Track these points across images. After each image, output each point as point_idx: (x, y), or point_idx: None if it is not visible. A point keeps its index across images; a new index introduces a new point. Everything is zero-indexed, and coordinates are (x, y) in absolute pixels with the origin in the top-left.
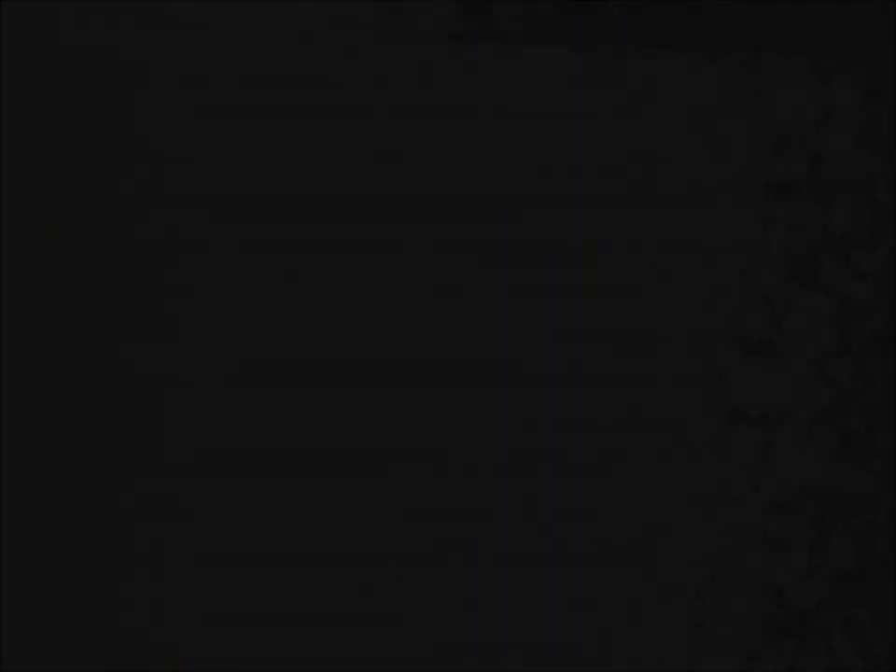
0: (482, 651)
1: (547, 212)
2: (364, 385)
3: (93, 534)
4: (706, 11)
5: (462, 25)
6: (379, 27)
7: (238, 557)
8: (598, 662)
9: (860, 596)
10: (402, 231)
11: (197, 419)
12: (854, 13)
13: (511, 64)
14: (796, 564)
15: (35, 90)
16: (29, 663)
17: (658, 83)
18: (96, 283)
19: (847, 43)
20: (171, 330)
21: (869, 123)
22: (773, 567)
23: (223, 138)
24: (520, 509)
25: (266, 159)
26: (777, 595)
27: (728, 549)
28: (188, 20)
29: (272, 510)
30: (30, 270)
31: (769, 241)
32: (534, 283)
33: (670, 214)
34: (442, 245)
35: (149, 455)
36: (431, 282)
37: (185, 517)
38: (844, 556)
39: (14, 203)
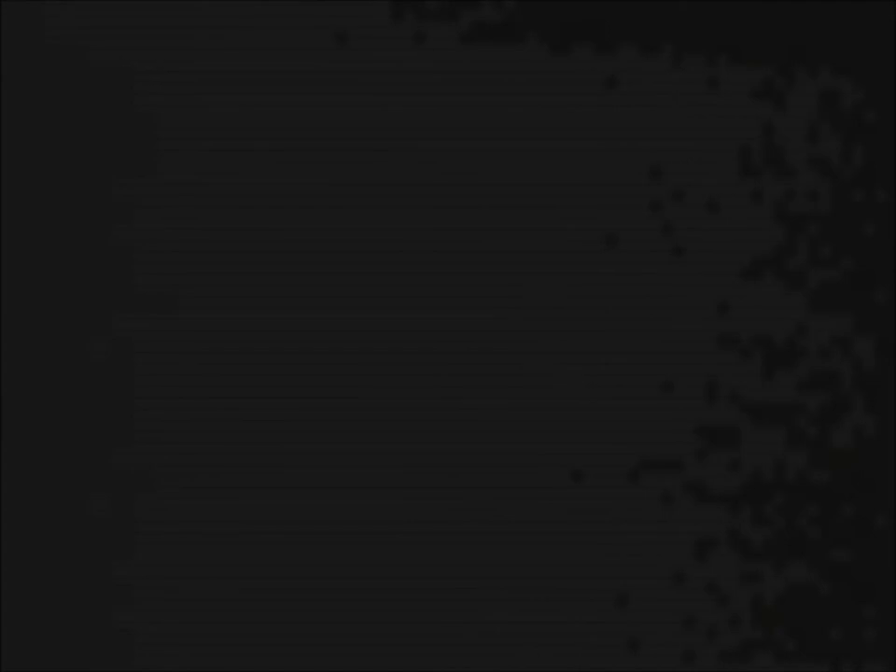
0: None
1: (546, 211)
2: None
3: (93, 534)
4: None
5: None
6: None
7: (242, 571)
8: None
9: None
10: (401, 229)
11: (199, 423)
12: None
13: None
14: None
15: (34, 89)
16: (29, 662)
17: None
18: (96, 282)
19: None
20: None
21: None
22: None
23: (223, 137)
24: None
25: (266, 158)
26: None
27: None
28: (188, 20)
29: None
30: (30, 268)
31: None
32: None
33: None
34: (441, 242)
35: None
36: (432, 279)
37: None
38: None
39: (14, 203)
